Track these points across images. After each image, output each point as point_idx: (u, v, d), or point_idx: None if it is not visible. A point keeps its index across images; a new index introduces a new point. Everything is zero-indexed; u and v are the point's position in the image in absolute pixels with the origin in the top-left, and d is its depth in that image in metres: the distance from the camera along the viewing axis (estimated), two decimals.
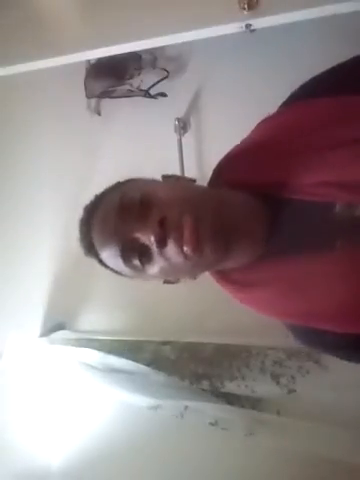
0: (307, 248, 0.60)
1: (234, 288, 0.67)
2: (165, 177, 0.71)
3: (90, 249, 0.64)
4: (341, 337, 0.59)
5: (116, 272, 0.66)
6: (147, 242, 0.57)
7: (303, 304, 0.61)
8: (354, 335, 0.58)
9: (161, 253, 0.57)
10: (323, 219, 0.60)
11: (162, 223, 0.56)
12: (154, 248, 0.57)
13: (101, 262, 0.65)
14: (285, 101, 0.69)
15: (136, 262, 0.59)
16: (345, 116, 0.60)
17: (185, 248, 0.56)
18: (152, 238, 0.56)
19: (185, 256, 0.57)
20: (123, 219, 0.59)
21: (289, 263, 0.61)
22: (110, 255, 0.62)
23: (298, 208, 0.61)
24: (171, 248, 0.57)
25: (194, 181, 0.70)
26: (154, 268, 0.60)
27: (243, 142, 0.69)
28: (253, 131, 0.70)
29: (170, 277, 0.67)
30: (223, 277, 0.67)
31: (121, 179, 0.69)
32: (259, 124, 0.70)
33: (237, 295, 0.68)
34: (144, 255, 0.59)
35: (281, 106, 0.70)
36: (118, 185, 0.68)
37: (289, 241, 0.61)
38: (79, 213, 0.68)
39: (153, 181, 0.69)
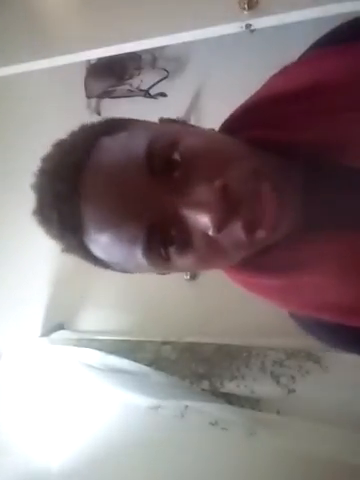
0: (343, 225, 0.44)
1: (252, 273, 0.48)
2: (167, 121, 0.50)
3: (69, 226, 0.40)
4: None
5: (106, 265, 0.45)
6: (196, 222, 0.38)
7: (345, 294, 0.44)
8: None
9: (213, 239, 0.39)
10: None
11: (226, 193, 0.37)
12: (210, 232, 0.38)
13: (81, 248, 0.42)
14: (319, 42, 0.52)
15: (167, 251, 0.40)
16: None
17: (260, 231, 0.39)
18: (210, 218, 0.37)
19: (251, 239, 0.39)
20: (156, 183, 0.38)
21: (322, 243, 0.45)
22: (117, 239, 0.39)
23: (342, 175, 0.45)
24: (232, 230, 0.38)
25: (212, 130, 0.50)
26: (189, 259, 0.40)
27: (266, 89, 0.51)
28: (276, 76, 0.52)
29: (200, 271, 0.48)
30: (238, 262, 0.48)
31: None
32: (289, 68, 0.51)
33: (251, 282, 0.51)
34: (182, 240, 0.39)
35: (310, 51, 0.52)
36: (119, 124, 0.44)
37: (323, 217, 0.46)
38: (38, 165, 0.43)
39: (174, 125, 0.49)
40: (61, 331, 1.73)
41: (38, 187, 0.42)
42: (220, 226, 0.37)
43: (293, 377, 1.26)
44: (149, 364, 1.43)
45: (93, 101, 1.73)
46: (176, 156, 0.39)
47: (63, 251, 0.45)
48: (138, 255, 0.40)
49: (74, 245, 0.42)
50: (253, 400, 1.32)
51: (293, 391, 1.25)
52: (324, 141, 0.44)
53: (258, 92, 0.52)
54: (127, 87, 1.63)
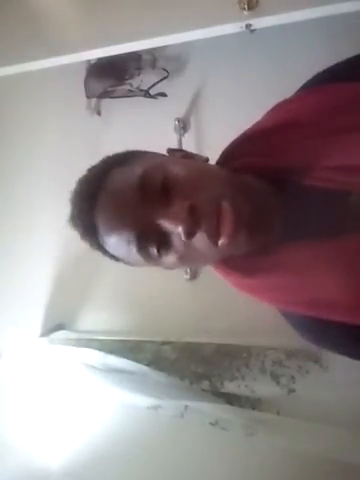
0: (318, 235, 0.56)
1: (240, 275, 0.61)
2: (172, 151, 0.64)
3: (89, 230, 0.56)
4: (348, 332, 0.57)
5: (118, 259, 0.59)
6: (171, 230, 0.52)
7: (310, 290, 0.57)
8: None
9: (187, 243, 0.52)
10: (337, 206, 0.57)
11: (192, 211, 0.50)
12: (181, 238, 0.51)
13: (100, 247, 0.58)
14: (306, 84, 0.66)
15: (153, 250, 0.54)
16: None
17: (222, 239, 0.51)
18: (180, 228, 0.50)
19: (216, 246, 0.52)
20: (144, 201, 0.52)
21: (299, 249, 0.57)
22: (120, 240, 0.54)
23: (312, 194, 0.57)
24: (201, 238, 0.51)
25: (207, 160, 0.63)
26: (172, 257, 0.54)
27: (258, 124, 0.64)
28: (269, 113, 0.65)
29: (185, 266, 0.63)
30: (225, 264, 0.61)
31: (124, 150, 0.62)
32: (277, 106, 0.65)
33: (242, 283, 0.63)
34: (163, 243, 0.53)
35: (301, 90, 0.66)
36: (128, 158, 0.59)
37: (299, 229, 0.58)
38: (73, 185, 0.60)
39: (168, 158, 0.62)
40: (61, 331, 1.73)
41: (71, 202, 0.59)
42: (188, 234, 0.51)
43: (293, 377, 1.26)
44: (149, 364, 1.43)
45: (93, 101, 1.73)
46: (164, 181, 0.53)
47: (91, 248, 0.59)
48: (134, 252, 0.55)
49: (95, 244, 0.58)
50: (253, 400, 1.32)
51: (293, 391, 1.25)
52: (291, 165, 0.58)
53: (250, 127, 0.64)
54: (127, 87, 1.63)
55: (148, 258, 0.55)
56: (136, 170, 0.55)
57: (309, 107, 0.60)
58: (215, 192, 0.52)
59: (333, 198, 0.57)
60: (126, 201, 0.53)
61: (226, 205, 0.51)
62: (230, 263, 0.60)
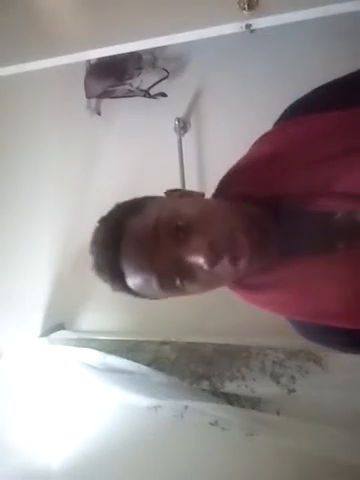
0: (311, 252, 0.64)
1: (248, 291, 0.70)
2: (171, 192, 0.71)
3: (118, 277, 0.63)
4: (350, 334, 0.63)
5: (145, 297, 0.66)
6: (194, 262, 0.59)
7: (311, 303, 0.64)
8: None
9: (210, 271, 0.59)
10: (325, 225, 0.64)
11: (212, 246, 0.58)
12: (204, 268, 0.59)
13: (129, 290, 0.64)
14: (284, 115, 0.71)
15: (178, 283, 0.61)
16: (353, 128, 0.63)
17: (242, 262, 0.60)
18: (203, 260, 0.58)
19: (236, 268, 0.60)
20: (161, 244, 0.60)
21: (295, 266, 0.65)
22: (145, 281, 0.61)
23: (302, 215, 0.65)
24: (223, 265, 0.59)
25: (203, 195, 0.71)
26: (197, 285, 0.62)
27: (248, 157, 0.71)
28: (256, 145, 0.72)
29: (206, 291, 0.67)
30: (236, 284, 0.70)
31: (131, 197, 0.68)
32: (262, 138, 0.71)
33: (250, 298, 0.72)
34: (186, 276, 0.61)
35: (280, 120, 0.72)
36: (138, 206, 0.66)
37: (294, 247, 0.65)
38: (89, 240, 0.66)
39: (173, 201, 0.69)
40: (61, 331, 1.73)
41: (94, 252, 0.65)
42: (212, 263, 0.58)
43: (293, 377, 1.26)
44: (149, 364, 1.43)
45: (93, 101, 1.73)
46: (179, 223, 0.60)
47: (114, 291, 0.66)
48: (158, 289, 0.62)
49: (125, 288, 0.64)
50: (253, 400, 1.32)
51: (293, 391, 1.25)
52: (280, 193, 0.65)
53: (242, 159, 0.72)
54: (127, 87, 1.63)
55: (172, 291, 0.62)
56: (149, 217, 0.62)
57: (288, 139, 0.67)
58: (227, 226, 0.61)
59: (320, 218, 0.64)
60: (146, 246, 0.60)
61: (239, 235, 0.59)
62: (240, 283, 0.69)
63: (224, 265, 0.59)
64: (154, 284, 0.61)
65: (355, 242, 0.62)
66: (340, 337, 0.65)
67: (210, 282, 0.63)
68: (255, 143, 0.72)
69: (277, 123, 0.72)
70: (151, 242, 0.60)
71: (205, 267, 0.58)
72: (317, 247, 0.64)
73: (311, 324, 0.66)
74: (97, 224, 0.67)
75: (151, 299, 0.67)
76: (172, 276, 0.61)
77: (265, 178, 0.66)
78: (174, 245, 0.60)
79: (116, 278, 0.63)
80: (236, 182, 0.70)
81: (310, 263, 0.64)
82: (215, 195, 0.72)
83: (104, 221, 0.67)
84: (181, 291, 0.63)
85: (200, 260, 0.58)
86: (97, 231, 0.66)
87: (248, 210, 0.65)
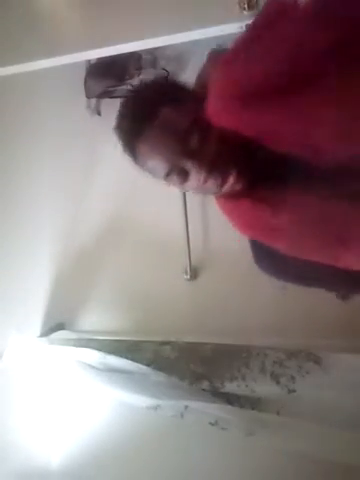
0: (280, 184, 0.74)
1: (223, 200, 0.83)
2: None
3: (131, 146, 0.75)
4: (299, 265, 0.76)
5: (145, 171, 0.77)
6: (194, 172, 0.72)
7: (266, 219, 0.77)
8: (311, 264, 0.74)
9: (201, 185, 0.73)
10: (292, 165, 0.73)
11: (211, 169, 0.71)
12: (200, 180, 0.72)
13: (136, 160, 0.76)
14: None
15: (177, 179, 0.74)
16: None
17: (225, 186, 0.73)
18: (203, 176, 0.71)
19: (220, 189, 0.74)
20: (181, 144, 0.70)
21: (267, 190, 0.77)
22: (156, 165, 0.74)
23: (278, 156, 0.73)
24: (211, 184, 0.73)
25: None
26: (188, 187, 0.76)
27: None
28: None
29: (195, 193, 0.80)
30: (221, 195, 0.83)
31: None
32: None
33: (223, 205, 0.84)
34: (184, 178, 0.74)
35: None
36: (178, 95, 0.75)
37: (269, 177, 0.75)
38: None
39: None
40: (61, 331, 1.73)
41: (123, 117, 0.77)
42: (205, 181, 0.73)
43: (293, 377, 1.26)
44: (148, 364, 1.43)
45: (93, 101, 1.73)
46: (201, 142, 0.70)
47: (123, 143, 0.77)
48: (162, 176, 0.75)
49: (131, 144, 0.75)
50: (253, 400, 1.32)
51: (293, 391, 1.24)
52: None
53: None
54: (127, 87, 1.63)
55: (171, 180, 0.75)
56: (185, 119, 0.71)
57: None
58: (228, 161, 0.72)
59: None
60: (168, 142, 0.71)
61: (231, 175, 0.72)
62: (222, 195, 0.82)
63: (212, 184, 0.73)
64: (158, 170, 0.73)
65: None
66: (293, 267, 0.78)
67: (197, 189, 0.76)
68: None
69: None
70: (174, 140, 0.70)
71: (201, 181, 0.72)
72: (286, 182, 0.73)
73: (269, 251, 0.78)
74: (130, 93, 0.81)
75: (148, 175, 0.78)
76: (174, 174, 0.73)
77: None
78: (188, 152, 0.70)
79: (131, 153, 0.75)
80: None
81: (278, 189, 0.75)
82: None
83: (137, 94, 0.78)
84: (175, 185, 0.76)
85: (201, 175, 0.71)
86: (127, 102, 0.77)
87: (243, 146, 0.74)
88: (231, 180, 0.73)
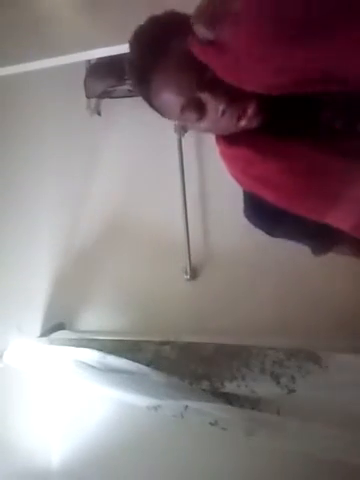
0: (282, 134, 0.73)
1: (224, 143, 0.80)
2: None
3: (144, 81, 0.75)
4: (287, 220, 0.76)
5: (153, 106, 0.78)
6: (212, 105, 0.69)
7: (259, 170, 0.77)
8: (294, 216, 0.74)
9: (218, 118, 0.71)
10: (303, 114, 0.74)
11: (230, 102, 0.69)
12: (218, 113, 0.70)
13: (149, 96, 0.75)
14: None
15: (192, 113, 0.71)
16: None
17: (242, 121, 0.71)
18: (221, 107, 0.69)
19: (238, 123, 0.71)
20: (199, 78, 0.68)
21: (266, 138, 0.75)
22: (171, 100, 0.71)
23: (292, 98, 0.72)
24: (228, 116, 0.70)
25: None
26: (203, 124, 0.73)
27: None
28: None
29: (207, 131, 0.78)
30: (221, 137, 0.81)
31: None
32: None
33: (223, 151, 0.82)
34: (201, 113, 0.71)
35: None
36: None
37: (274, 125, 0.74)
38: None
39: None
40: (61, 331, 1.73)
41: (137, 44, 0.82)
42: (223, 113, 0.69)
43: (293, 377, 1.25)
44: (148, 364, 1.43)
45: (93, 101, 1.73)
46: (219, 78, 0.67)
47: (134, 78, 0.81)
48: (176, 112, 0.73)
49: (145, 89, 0.76)
50: (253, 400, 1.32)
51: (293, 391, 1.24)
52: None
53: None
54: (127, 87, 1.63)
55: (185, 119, 0.73)
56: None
57: None
58: (247, 99, 0.69)
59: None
60: (184, 78, 0.69)
61: (250, 107, 0.69)
62: (226, 137, 0.80)
63: (230, 117, 0.70)
64: (175, 106, 0.71)
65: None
66: (279, 218, 0.77)
67: (214, 125, 0.73)
68: None
69: None
70: (188, 79, 0.69)
71: (219, 113, 0.70)
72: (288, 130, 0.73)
73: (262, 203, 0.77)
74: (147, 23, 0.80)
75: (158, 112, 0.78)
76: (190, 109, 0.71)
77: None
78: (206, 86, 0.68)
79: (143, 84, 0.75)
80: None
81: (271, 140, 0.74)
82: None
83: (152, 26, 0.80)
84: (191, 122, 0.73)
85: (220, 106, 0.68)
86: (142, 31, 0.80)
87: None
88: (250, 113, 0.69)
